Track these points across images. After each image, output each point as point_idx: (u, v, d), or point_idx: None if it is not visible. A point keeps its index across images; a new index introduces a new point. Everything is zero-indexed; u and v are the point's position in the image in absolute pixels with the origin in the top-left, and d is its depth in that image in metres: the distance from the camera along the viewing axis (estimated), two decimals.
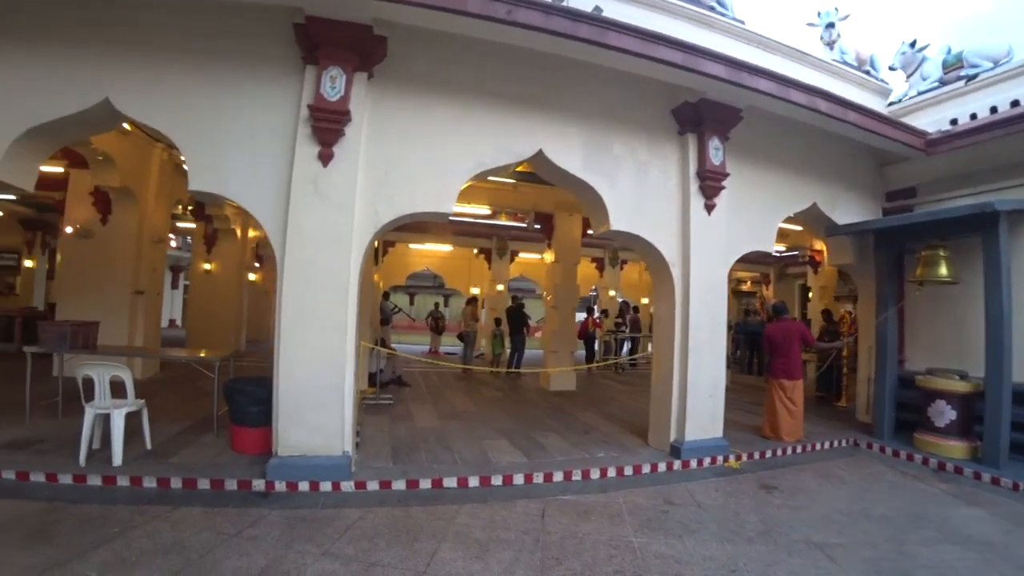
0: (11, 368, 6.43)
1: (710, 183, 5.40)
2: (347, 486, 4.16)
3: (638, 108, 5.40)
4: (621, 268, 16.34)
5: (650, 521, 3.88)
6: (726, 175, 5.46)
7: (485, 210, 9.89)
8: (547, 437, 5.90)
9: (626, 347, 13.85)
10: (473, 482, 4.47)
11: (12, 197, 10.36)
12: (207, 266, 11.21)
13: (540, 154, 4.94)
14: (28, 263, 14.88)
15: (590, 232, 6.85)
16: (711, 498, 4.42)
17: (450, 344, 14.97)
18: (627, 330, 13.21)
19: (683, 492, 4.53)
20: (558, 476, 4.66)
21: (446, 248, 15.80)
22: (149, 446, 4.50)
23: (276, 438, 4.19)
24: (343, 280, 4.28)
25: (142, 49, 4.16)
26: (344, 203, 4.29)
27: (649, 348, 10.05)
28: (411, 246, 15.78)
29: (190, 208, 10.30)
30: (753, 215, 5.92)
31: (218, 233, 11.12)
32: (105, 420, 4.21)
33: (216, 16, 4.23)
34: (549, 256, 9.82)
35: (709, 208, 5.47)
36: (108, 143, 6.61)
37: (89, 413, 4.09)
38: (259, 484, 4.04)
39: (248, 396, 4.64)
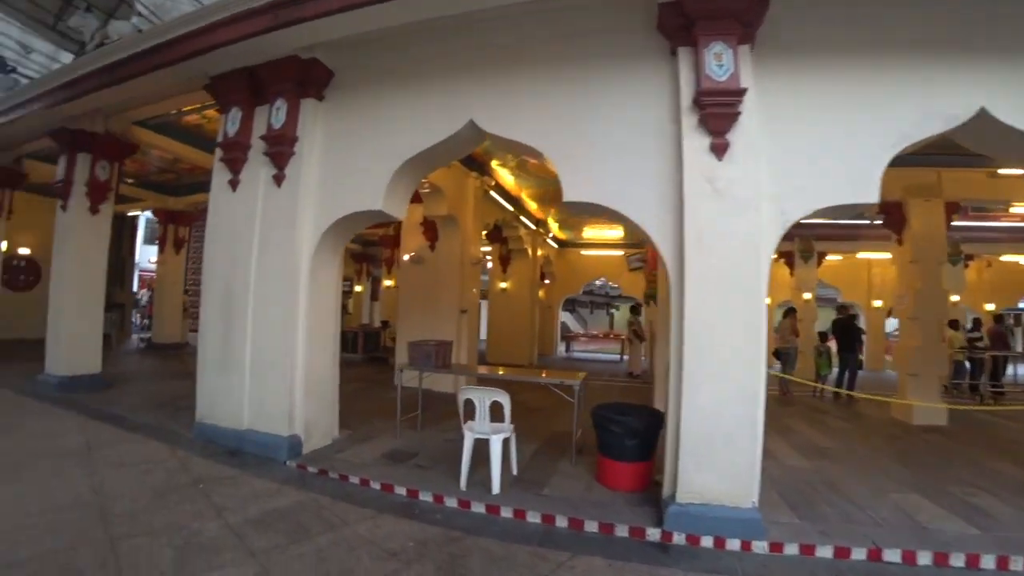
0: (356, 375, 7.36)
1: (714, 110, 3.52)
2: (759, 546, 3.36)
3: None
4: (819, 263, 12.50)
5: None
6: (740, 92, 3.50)
7: None
8: (976, 496, 4.25)
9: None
10: (923, 558, 3.26)
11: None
12: (503, 285, 12.05)
13: (983, 113, 3.40)
14: (357, 288, 18.52)
15: None
16: None
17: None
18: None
19: None
20: None
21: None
22: (515, 471, 4.45)
23: (675, 481, 3.61)
24: (755, 291, 3.51)
25: (499, 67, 4.29)
26: (747, 200, 3.53)
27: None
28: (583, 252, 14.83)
29: (485, 232, 11.12)
30: (828, 145, 3.60)
31: (512, 254, 11.88)
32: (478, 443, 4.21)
33: (565, 19, 4.08)
34: (901, 254, 7.71)
35: (718, 149, 3.54)
36: (436, 176, 7.31)
37: (469, 438, 4.14)
38: (654, 533, 3.50)
39: (625, 427, 4.23)
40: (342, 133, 4.81)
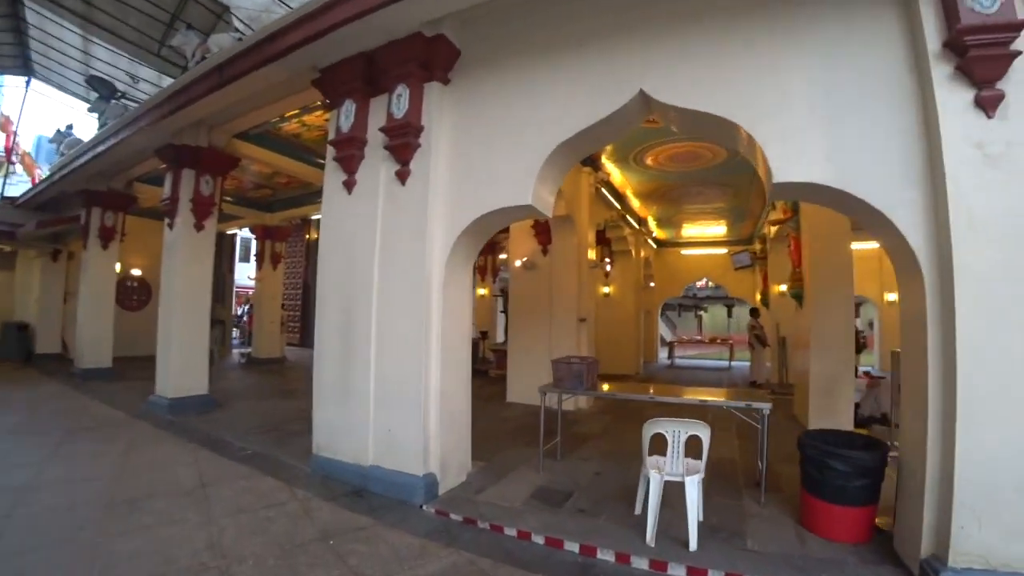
0: None
1: (979, 52, 2.57)
2: None
3: None
4: None
5: None
6: (1016, 25, 2.53)
7: None
8: None
9: None
10: None
11: None
12: (606, 289, 11.10)
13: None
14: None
15: None
16: None
17: None
18: None
19: None
20: None
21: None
22: (701, 517, 3.47)
23: (937, 538, 2.72)
24: None
25: (673, 25, 3.42)
26: None
27: None
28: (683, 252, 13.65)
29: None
30: None
31: (615, 256, 10.92)
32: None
33: None
34: None
35: (988, 104, 2.59)
36: None
37: (656, 480, 3.24)
38: None
39: (852, 464, 3.23)
40: (474, 119, 4.11)
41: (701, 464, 3.32)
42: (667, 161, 7.82)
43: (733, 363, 14.26)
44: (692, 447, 3.30)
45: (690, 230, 13.65)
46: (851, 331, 6.12)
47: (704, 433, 3.23)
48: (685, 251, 14.69)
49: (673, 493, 3.49)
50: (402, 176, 4.11)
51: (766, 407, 3.87)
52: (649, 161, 7.85)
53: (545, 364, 7.54)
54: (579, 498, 4.00)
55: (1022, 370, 2.58)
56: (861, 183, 2.95)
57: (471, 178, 4.02)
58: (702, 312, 27.85)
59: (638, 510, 3.64)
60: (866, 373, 11.64)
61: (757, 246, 11.69)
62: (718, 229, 13.33)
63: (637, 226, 11.48)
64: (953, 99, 2.70)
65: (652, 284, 14.33)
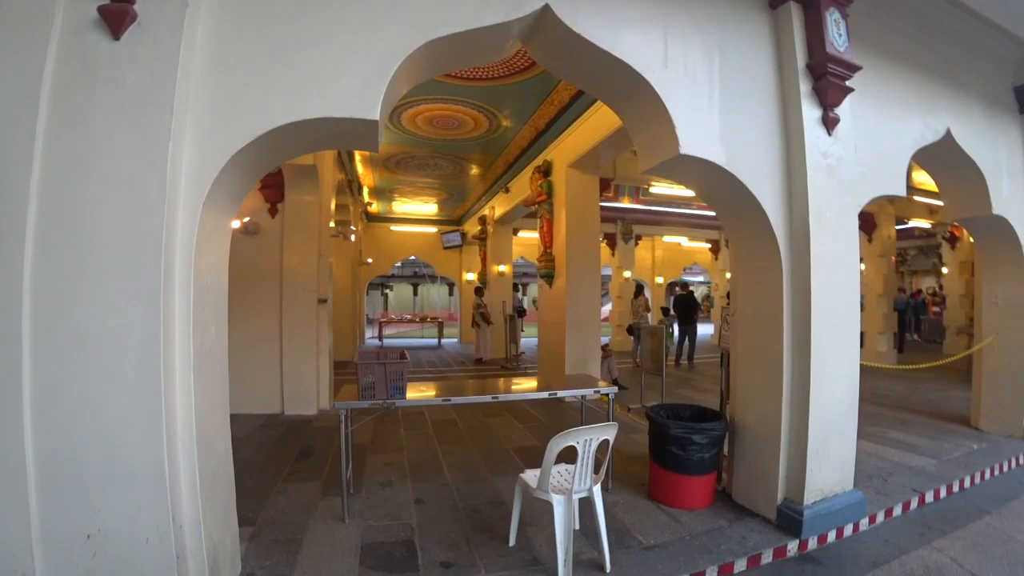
0: None
1: (832, 80, 3.14)
2: (864, 523, 3.26)
3: None
4: (636, 244, 14.37)
5: None
6: (855, 67, 3.22)
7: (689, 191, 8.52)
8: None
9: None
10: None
11: None
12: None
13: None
14: None
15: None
16: None
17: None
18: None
19: None
20: None
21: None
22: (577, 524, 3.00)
23: (788, 484, 3.16)
24: (856, 273, 3.45)
25: None
26: (851, 179, 3.39)
27: None
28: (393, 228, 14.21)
29: None
30: (881, 139, 3.62)
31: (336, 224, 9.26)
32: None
33: None
34: None
35: (829, 124, 3.22)
36: None
37: (562, 502, 2.56)
38: (792, 547, 2.98)
39: (710, 436, 3.47)
40: None
41: (602, 469, 2.82)
42: (424, 124, 6.98)
43: (443, 340, 14.52)
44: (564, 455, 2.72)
45: (403, 206, 13.10)
46: (599, 309, 6.73)
47: (613, 433, 2.71)
48: (396, 227, 14.06)
49: (539, 509, 3.07)
50: (116, 20, 2.02)
51: (612, 391, 3.66)
52: (404, 120, 6.85)
53: (275, 358, 5.81)
54: (427, 545, 2.89)
55: (843, 337, 3.30)
56: (743, 170, 3.11)
57: (275, 59, 2.25)
58: (388, 290, 27.87)
59: (513, 540, 2.88)
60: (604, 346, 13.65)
61: (476, 227, 12.03)
62: (430, 207, 13.21)
63: (356, 194, 10.21)
64: (810, 113, 3.19)
65: (370, 260, 13.20)
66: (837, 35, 3.19)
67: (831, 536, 3.09)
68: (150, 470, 2.00)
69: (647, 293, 13.89)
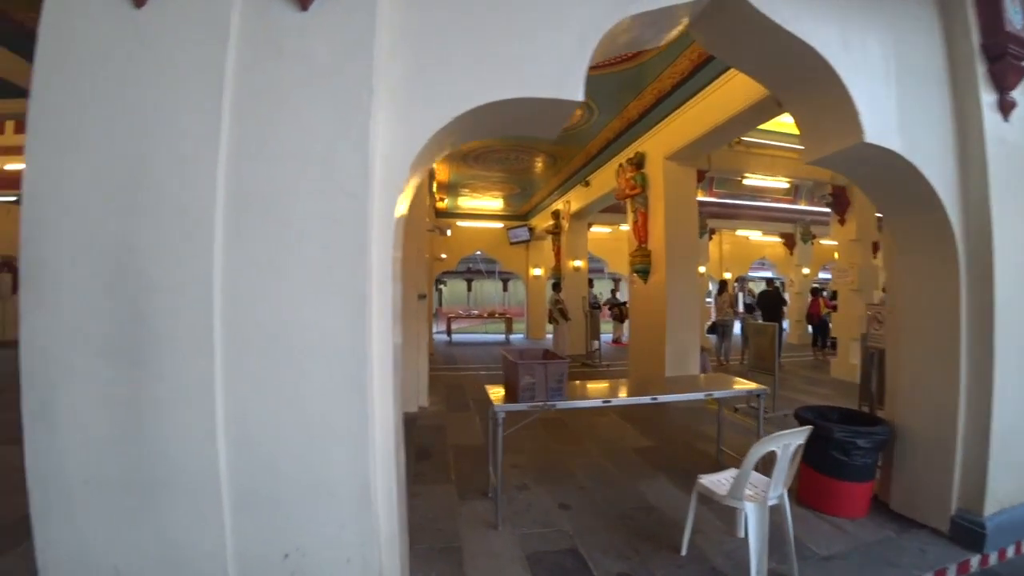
0: None
1: (1011, 61, 2.88)
2: None
3: None
4: (710, 238, 13.92)
5: None
6: None
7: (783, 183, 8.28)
8: None
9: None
10: None
11: None
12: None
13: None
14: None
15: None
16: None
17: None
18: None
19: None
20: None
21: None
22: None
23: (981, 491, 2.93)
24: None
25: None
26: None
27: None
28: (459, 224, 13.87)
29: None
30: None
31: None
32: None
33: None
34: (844, 233, 8.27)
35: (1006, 109, 2.96)
36: None
37: (755, 510, 2.43)
38: (974, 561, 2.81)
39: (873, 441, 3.34)
40: None
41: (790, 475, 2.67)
42: None
43: (511, 336, 14.52)
44: None
45: (469, 201, 13.15)
46: (697, 304, 6.53)
47: (805, 437, 2.56)
48: (461, 223, 14.14)
49: (699, 516, 2.88)
50: None
51: (764, 391, 3.50)
52: None
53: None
54: (594, 555, 2.80)
55: None
56: (921, 160, 2.91)
57: (469, 32, 2.12)
58: (442, 286, 27.94)
59: (684, 550, 2.78)
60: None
61: (546, 222, 11.94)
62: (495, 203, 13.20)
63: (431, 190, 10.31)
64: (985, 98, 2.95)
65: (444, 256, 13.37)
66: (1015, 12, 2.94)
67: (1010, 551, 2.89)
68: (356, 483, 1.89)
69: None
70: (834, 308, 10.80)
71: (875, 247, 8.47)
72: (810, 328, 10.84)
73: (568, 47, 2.19)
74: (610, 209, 10.66)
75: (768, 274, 18.36)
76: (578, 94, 2.18)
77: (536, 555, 2.80)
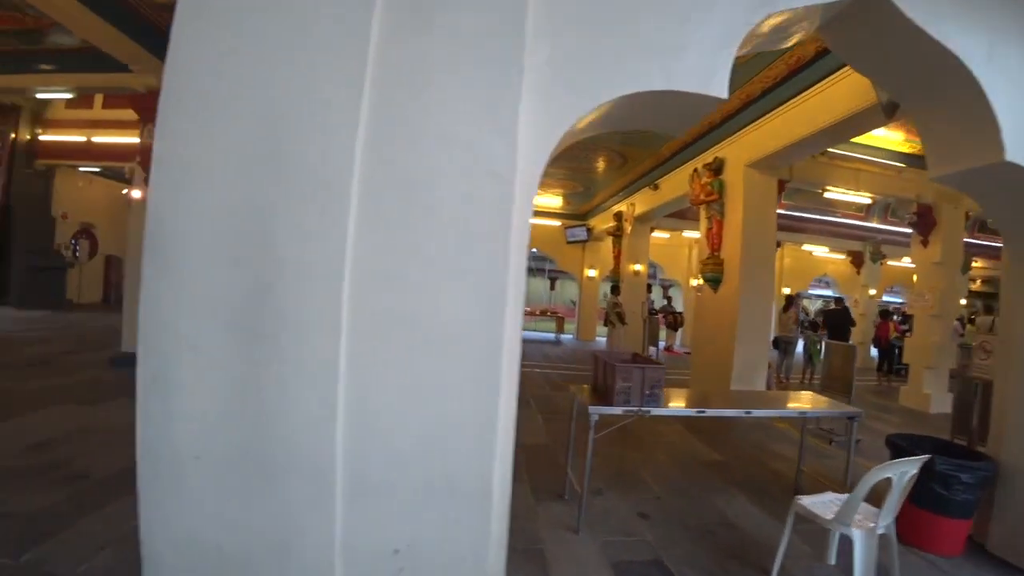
0: None
1: None
2: None
3: None
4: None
5: None
6: None
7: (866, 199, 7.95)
8: None
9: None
10: None
11: None
12: None
13: None
14: None
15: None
16: None
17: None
18: None
19: None
20: None
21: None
22: None
23: None
24: None
25: None
26: None
27: None
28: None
29: None
30: None
31: None
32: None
33: None
34: (926, 255, 7.85)
35: None
36: None
37: (863, 538, 2.34)
38: None
39: (977, 476, 3.06)
40: None
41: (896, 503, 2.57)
42: None
43: (562, 336, 14.45)
44: None
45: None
46: (770, 317, 6.35)
47: (919, 466, 2.46)
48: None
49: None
50: None
51: (858, 414, 3.38)
52: None
53: None
54: (682, 569, 2.74)
55: None
56: None
57: (617, 14, 2.02)
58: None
59: (776, 573, 2.70)
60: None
61: (607, 223, 11.83)
62: (555, 200, 13.18)
63: None
64: None
65: None
66: None
67: None
68: (477, 481, 1.82)
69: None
70: (904, 332, 10.28)
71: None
72: (875, 351, 10.35)
73: (715, 41, 2.07)
74: (674, 215, 10.47)
75: (828, 292, 17.64)
76: (723, 91, 2.09)
77: (622, 564, 2.77)
